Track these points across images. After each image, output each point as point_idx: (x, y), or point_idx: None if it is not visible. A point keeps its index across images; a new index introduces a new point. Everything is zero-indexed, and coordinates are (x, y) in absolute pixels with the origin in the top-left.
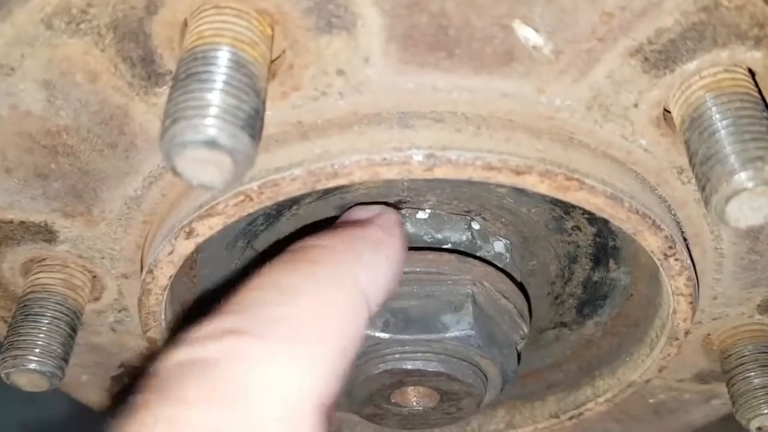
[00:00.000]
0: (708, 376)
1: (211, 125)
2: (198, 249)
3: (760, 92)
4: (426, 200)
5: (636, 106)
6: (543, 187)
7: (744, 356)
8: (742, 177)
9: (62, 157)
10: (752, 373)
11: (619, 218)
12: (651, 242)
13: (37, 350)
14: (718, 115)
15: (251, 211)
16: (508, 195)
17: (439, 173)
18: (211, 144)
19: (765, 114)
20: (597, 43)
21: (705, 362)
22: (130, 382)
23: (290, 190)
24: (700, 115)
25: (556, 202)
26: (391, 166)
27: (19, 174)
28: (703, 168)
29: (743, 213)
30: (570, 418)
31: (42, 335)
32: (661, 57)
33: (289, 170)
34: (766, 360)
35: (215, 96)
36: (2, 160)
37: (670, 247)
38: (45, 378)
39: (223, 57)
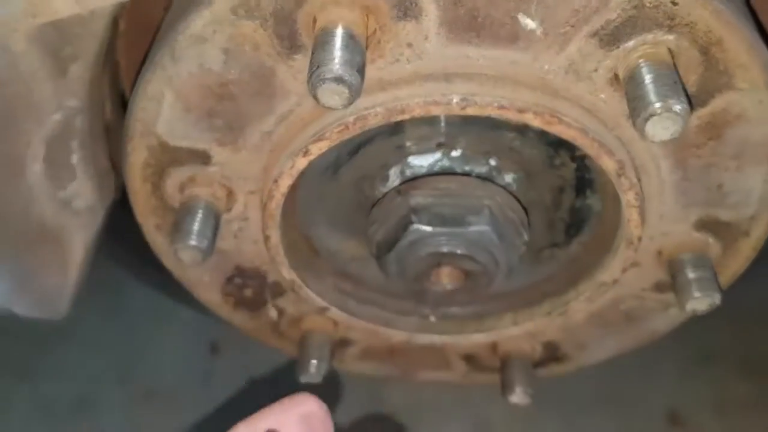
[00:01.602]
0: (664, 286)
1: (338, 68)
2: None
3: (674, 62)
4: (458, 142)
5: (596, 71)
6: (536, 122)
7: (683, 261)
8: (655, 105)
9: (226, 101)
10: (688, 270)
11: (586, 145)
12: (607, 164)
13: (196, 233)
14: (645, 74)
15: (348, 137)
16: (516, 139)
17: (470, 111)
18: (339, 80)
19: (675, 74)
20: (570, 29)
21: (660, 274)
22: (241, 281)
23: (374, 122)
24: (635, 74)
25: (548, 144)
26: (439, 106)
27: (195, 113)
28: (634, 104)
29: (657, 131)
30: (559, 314)
31: (197, 225)
32: (611, 38)
33: (373, 108)
34: (698, 263)
35: (339, 53)
36: (185, 102)
37: (621, 168)
38: (201, 253)
39: (340, 33)
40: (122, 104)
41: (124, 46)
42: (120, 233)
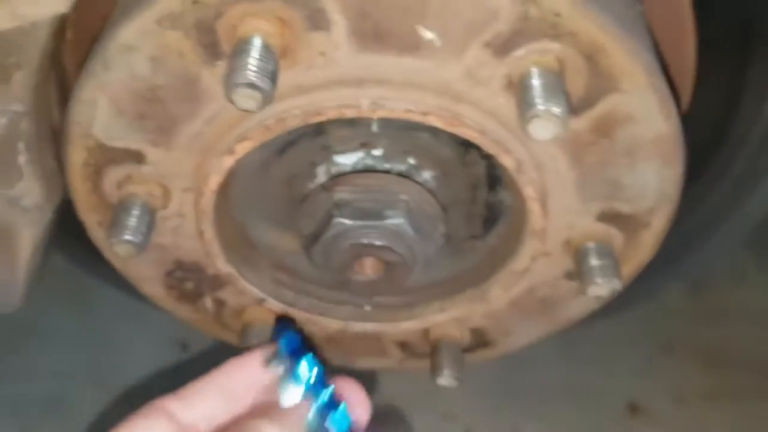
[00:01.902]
0: (573, 274)
1: (251, 74)
2: (232, 172)
3: (561, 68)
4: (379, 143)
5: (492, 77)
6: (439, 123)
7: (588, 249)
8: (537, 108)
9: (156, 104)
10: (591, 258)
11: (486, 145)
12: (506, 161)
13: (131, 228)
14: (532, 80)
15: (270, 137)
16: (430, 140)
17: (380, 114)
18: (251, 85)
19: (559, 80)
20: (464, 39)
21: (569, 263)
22: (182, 275)
23: (292, 124)
24: (524, 80)
25: (459, 144)
26: (351, 109)
27: (127, 116)
28: (520, 107)
29: (539, 131)
30: (480, 301)
31: (133, 221)
32: (502, 47)
33: (292, 111)
34: (601, 252)
35: (253, 61)
36: (118, 106)
37: (519, 165)
38: (135, 247)
39: (256, 42)
40: None
41: (70, 53)
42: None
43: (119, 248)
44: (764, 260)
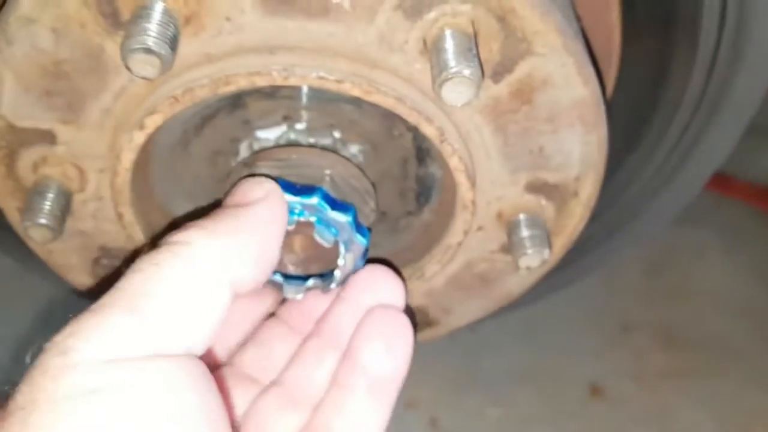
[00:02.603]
0: (508, 247)
1: (147, 39)
2: (149, 150)
3: (475, 31)
4: (302, 116)
5: (407, 42)
6: (355, 91)
7: (518, 221)
8: (448, 71)
9: (62, 79)
10: (522, 230)
11: (405, 114)
12: (428, 131)
13: (45, 212)
14: (444, 42)
15: (180, 109)
16: (354, 112)
17: (292, 81)
18: (148, 50)
19: (472, 42)
20: (374, 2)
21: (504, 236)
22: (109, 262)
23: (201, 94)
24: (437, 43)
25: (384, 115)
26: (262, 76)
27: (33, 92)
28: (433, 71)
29: (453, 96)
30: (417, 278)
31: (48, 204)
32: (413, 10)
33: (200, 81)
34: (531, 223)
35: (151, 26)
36: (24, 82)
37: (441, 135)
38: (50, 231)
39: (155, 7)
40: None
41: None
42: None
43: (34, 233)
44: (724, 240)
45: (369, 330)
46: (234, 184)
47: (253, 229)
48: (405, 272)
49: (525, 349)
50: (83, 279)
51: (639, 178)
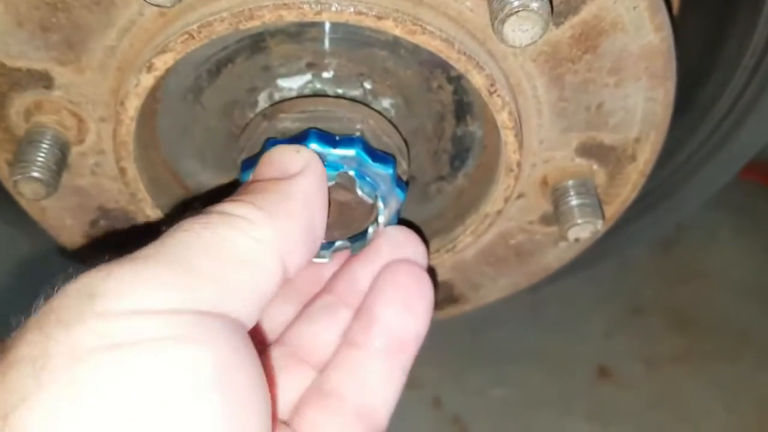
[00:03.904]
0: (551, 218)
1: None
2: (157, 98)
3: None
4: (329, 63)
5: None
6: (398, 30)
7: (566, 187)
8: (513, 4)
9: (60, 12)
10: (571, 197)
11: (452, 58)
12: (477, 80)
13: (38, 164)
14: None
15: (194, 47)
16: (389, 59)
17: (325, 17)
18: None
19: None
20: None
21: (546, 205)
22: (107, 224)
23: (220, 29)
24: None
25: (422, 64)
26: (290, 10)
27: (28, 27)
28: (494, 5)
29: (516, 34)
30: (448, 251)
31: (42, 156)
32: None
33: (219, 14)
34: (581, 190)
35: None
36: (16, 14)
37: (492, 85)
38: (44, 186)
39: None
40: None
41: None
42: None
43: (24, 187)
44: (735, 221)
45: (387, 285)
46: (250, 141)
47: (303, 210)
48: (433, 244)
49: (531, 328)
50: (78, 242)
51: (685, 148)
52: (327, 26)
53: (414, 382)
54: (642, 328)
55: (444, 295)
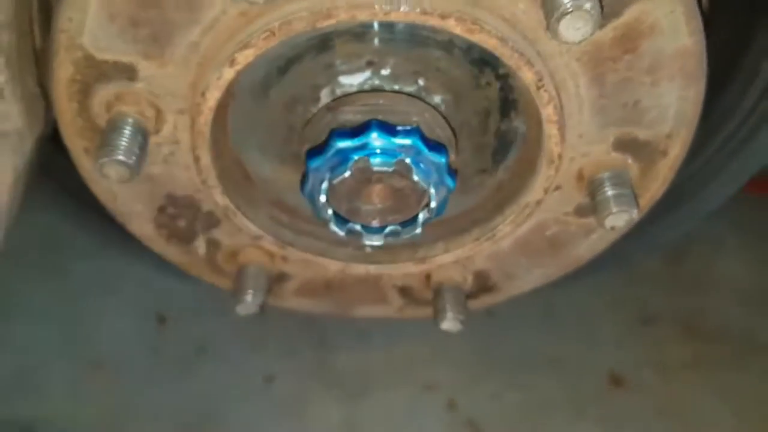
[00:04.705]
0: (585, 209)
1: None
2: (231, 93)
3: None
4: (387, 61)
5: None
6: (458, 29)
7: (602, 179)
8: (567, 4)
9: (151, 8)
10: (607, 188)
11: (506, 55)
12: (527, 75)
13: (123, 149)
14: None
15: (274, 44)
16: (442, 58)
17: (394, 17)
18: None
19: None
20: None
21: (581, 197)
22: (174, 211)
23: (299, 27)
24: None
25: (473, 63)
26: (363, 10)
27: (119, 21)
28: (548, 6)
29: (569, 31)
30: (487, 239)
31: (126, 141)
32: None
33: (299, 13)
34: (616, 181)
35: None
36: (109, 9)
37: (540, 80)
38: (128, 169)
39: None
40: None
41: None
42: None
43: (110, 170)
44: (741, 232)
45: None
46: (314, 132)
47: None
48: (473, 233)
49: (544, 335)
50: (145, 228)
51: (706, 150)
52: (387, 28)
53: (430, 384)
54: (652, 337)
55: (479, 285)
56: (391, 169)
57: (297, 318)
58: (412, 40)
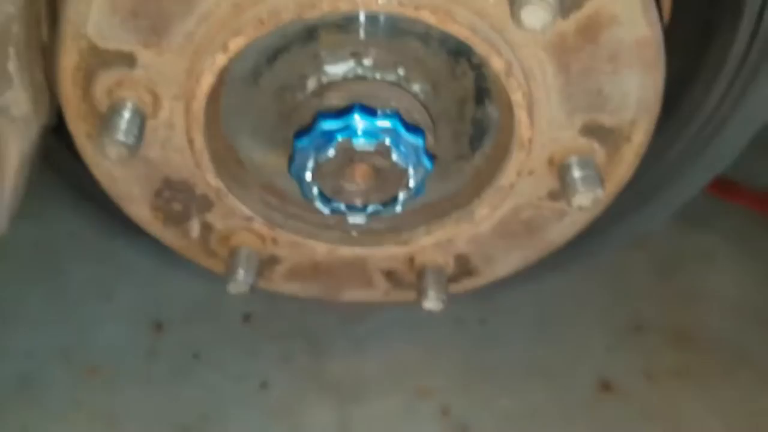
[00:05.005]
0: (557, 194)
1: None
2: (223, 80)
3: None
4: (369, 53)
5: None
6: (432, 19)
7: (570, 163)
8: None
9: (150, 0)
10: (574, 171)
11: (477, 44)
12: (496, 64)
13: (123, 130)
14: None
15: (263, 32)
16: (420, 49)
17: (373, 6)
18: None
19: None
20: None
21: (553, 182)
22: (170, 194)
23: (286, 16)
24: None
25: (449, 53)
26: (345, 1)
27: (121, 13)
28: None
29: (532, 19)
30: (467, 222)
31: (125, 123)
32: None
33: (287, 4)
34: (583, 165)
35: None
36: (115, 2)
37: (509, 68)
38: (127, 149)
39: None
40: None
41: None
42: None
43: (111, 150)
44: (731, 246)
45: None
46: (302, 115)
47: None
48: (453, 216)
49: (535, 343)
50: (142, 211)
51: (675, 144)
52: (369, 20)
53: (424, 390)
54: (642, 345)
55: (461, 268)
56: (372, 149)
57: (291, 324)
58: (392, 33)
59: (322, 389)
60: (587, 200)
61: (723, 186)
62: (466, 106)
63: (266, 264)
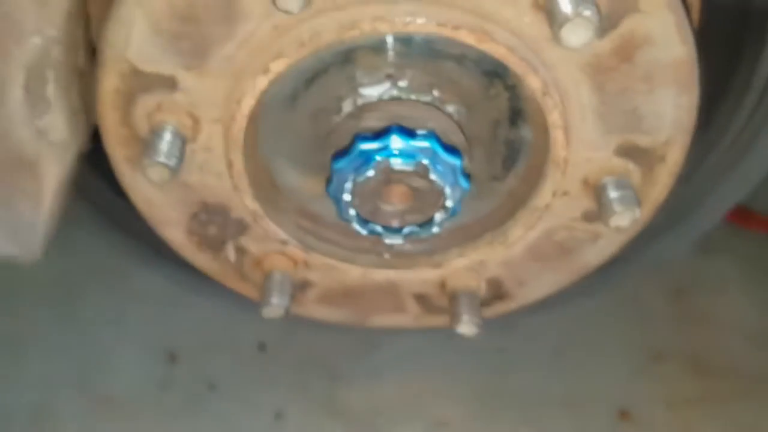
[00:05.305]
0: (591, 215)
1: None
2: (262, 103)
3: None
4: (405, 74)
5: None
6: (470, 39)
7: (605, 183)
8: (570, 11)
9: (191, 23)
10: (610, 191)
11: (514, 63)
12: (533, 82)
13: (164, 152)
14: None
15: (304, 54)
16: (455, 70)
17: (412, 28)
18: None
19: None
20: None
21: (587, 203)
22: (206, 218)
23: (327, 38)
24: None
25: (484, 74)
26: (384, 22)
27: (162, 36)
28: (552, 14)
29: (571, 36)
30: (500, 243)
31: (167, 145)
32: None
33: (327, 25)
34: (619, 185)
35: None
36: (155, 24)
37: (545, 87)
38: (168, 171)
39: None
40: (93, 53)
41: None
42: None
43: (152, 172)
44: (745, 272)
45: None
46: (340, 137)
47: None
48: (486, 237)
49: (554, 371)
50: (178, 235)
51: (700, 169)
52: (405, 41)
53: (441, 421)
54: (662, 373)
55: (493, 292)
56: (410, 169)
57: (307, 353)
58: (427, 54)
59: (338, 419)
60: (625, 221)
61: (738, 212)
62: (500, 127)
63: (298, 288)
